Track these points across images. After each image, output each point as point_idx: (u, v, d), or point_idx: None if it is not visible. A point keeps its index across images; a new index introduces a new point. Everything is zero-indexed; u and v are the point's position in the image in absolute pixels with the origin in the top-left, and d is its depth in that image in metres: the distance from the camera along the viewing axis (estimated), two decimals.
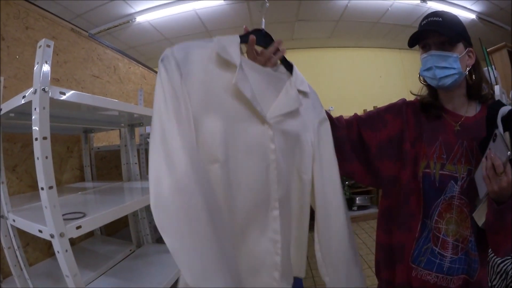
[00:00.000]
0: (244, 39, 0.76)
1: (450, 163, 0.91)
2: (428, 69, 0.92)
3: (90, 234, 1.82)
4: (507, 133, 0.72)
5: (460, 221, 0.89)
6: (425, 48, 0.93)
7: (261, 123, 0.71)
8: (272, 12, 4.26)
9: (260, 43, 0.82)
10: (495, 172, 0.71)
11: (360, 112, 1.12)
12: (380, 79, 6.05)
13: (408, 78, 6.28)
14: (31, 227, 0.90)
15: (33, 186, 1.49)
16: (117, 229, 2.08)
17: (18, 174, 1.43)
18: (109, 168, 2.12)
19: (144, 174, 1.97)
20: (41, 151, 0.79)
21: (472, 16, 4.82)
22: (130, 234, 1.80)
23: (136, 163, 1.80)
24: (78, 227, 0.86)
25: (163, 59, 0.64)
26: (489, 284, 2.27)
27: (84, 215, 0.95)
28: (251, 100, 0.67)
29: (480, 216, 0.83)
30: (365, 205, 4.67)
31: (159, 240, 2.12)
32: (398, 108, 1.05)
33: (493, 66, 3.03)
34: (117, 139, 2.12)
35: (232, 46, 0.71)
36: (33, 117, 0.81)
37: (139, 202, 1.27)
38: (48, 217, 0.79)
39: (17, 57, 1.46)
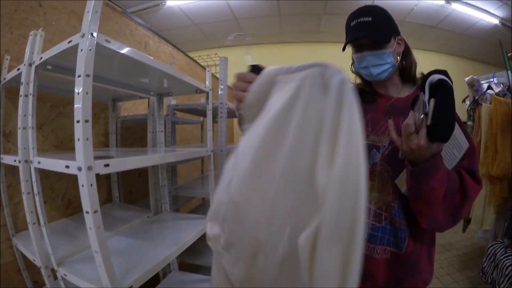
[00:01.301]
0: None
1: (373, 134, 0.97)
2: (364, 68, 0.99)
3: (109, 200, 1.88)
4: (432, 101, 0.72)
5: (382, 188, 0.92)
6: (358, 48, 0.99)
7: None
8: (299, 4, 4.33)
9: None
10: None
11: None
12: None
13: None
14: (58, 164, 0.93)
15: (58, 146, 1.56)
16: (135, 199, 2.14)
17: (44, 132, 1.49)
18: (133, 139, 2.18)
19: (168, 144, 2.03)
20: (83, 87, 0.83)
21: (496, 21, 4.84)
22: (149, 204, 1.85)
23: (162, 131, 1.84)
24: (106, 165, 0.90)
25: None
26: (497, 287, 2.31)
27: (113, 157, 0.99)
28: None
29: (403, 182, 0.85)
30: None
31: (177, 210, 2.19)
32: None
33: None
34: (143, 112, 2.18)
35: None
36: (78, 57, 0.85)
37: (164, 157, 1.31)
38: (79, 148, 0.82)
39: (53, 23, 1.54)
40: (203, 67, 3.80)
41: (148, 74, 1.42)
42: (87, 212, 0.84)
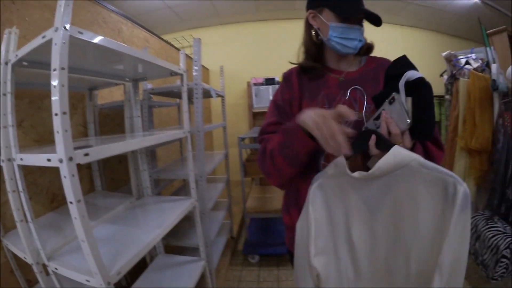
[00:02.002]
0: None
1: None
2: (351, 39, 0.98)
3: (92, 189, 1.89)
4: (409, 99, 0.72)
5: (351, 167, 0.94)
6: (348, 20, 0.97)
7: None
8: None
9: None
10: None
11: None
12: (379, 54, 6.09)
13: (407, 54, 6.40)
14: (39, 159, 0.95)
15: (39, 141, 1.54)
16: (117, 186, 2.15)
17: (24, 129, 1.48)
18: (112, 126, 2.17)
19: (146, 128, 2.05)
20: (59, 80, 0.84)
21: None
22: (131, 189, 1.87)
23: (139, 116, 1.85)
24: (86, 154, 0.92)
25: None
26: (480, 258, 2.41)
27: (91, 146, 1.01)
28: None
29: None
30: None
31: (159, 194, 2.22)
32: (287, 81, 1.11)
33: (491, 47, 3.08)
34: (120, 99, 2.17)
35: None
36: (52, 51, 0.85)
37: (143, 141, 1.34)
38: (59, 141, 0.84)
39: (27, 19, 1.50)
40: (178, 49, 3.76)
41: (123, 61, 1.41)
42: (71, 203, 0.87)
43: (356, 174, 0.74)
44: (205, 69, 5.25)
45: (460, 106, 2.97)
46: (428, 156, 0.89)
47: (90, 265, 0.94)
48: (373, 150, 0.74)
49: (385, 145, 0.71)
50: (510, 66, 2.78)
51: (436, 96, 5.88)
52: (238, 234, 3.51)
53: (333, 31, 0.97)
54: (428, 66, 6.06)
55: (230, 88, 5.34)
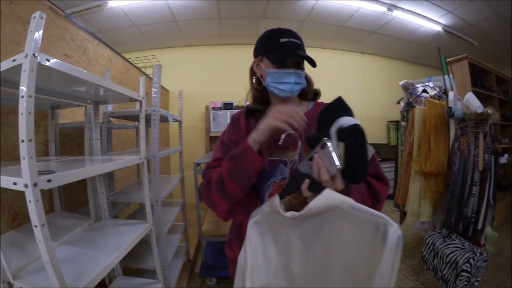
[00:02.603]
0: None
1: (278, 150, 1.05)
2: (286, 83, 1.03)
3: (52, 209, 1.86)
4: (342, 144, 0.75)
5: (294, 199, 0.97)
6: (285, 64, 1.03)
7: None
8: (239, 7, 4.40)
9: None
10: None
11: None
12: (339, 80, 6.35)
13: (367, 80, 6.69)
14: (5, 181, 0.96)
15: (3, 157, 1.53)
16: (76, 207, 2.12)
17: None
18: (72, 145, 2.15)
19: (104, 150, 2.05)
20: (26, 107, 0.87)
21: (438, 28, 5.06)
22: (89, 211, 1.86)
23: (98, 139, 1.86)
24: (49, 180, 0.95)
25: None
26: (439, 274, 2.50)
27: (54, 172, 1.03)
28: None
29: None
30: None
31: (116, 216, 2.21)
32: (235, 122, 1.18)
33: (451, 75, 3.31)
34: (81, 118, 2.17)
35: None
36: (21, 77, 0.89)
37: (101, 167, 1.36)
38: (25, 167, 0.87)
39: None
40: (141, 70, 3.80)
41: (85, 85, 1.44)
42: (36, 226, 0.90)
43: (289, 214, 0.78)
44: (165, 91, 5.28)
45: (415, 132, 3.12)
46: (372, 191, 0.96)
47: (53, 285, 0.95)
48: (305, 192, 0.79)
49: (316, 188, 0.75)
50: (468, 93, 2.97)
51: (392, 122, 6.22)
52: (195, 257, 3.49)
53: (270, 77, 1.05)
54: (388, 93, 6.48)
55: (188, 111, 5.39)
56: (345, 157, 0.74)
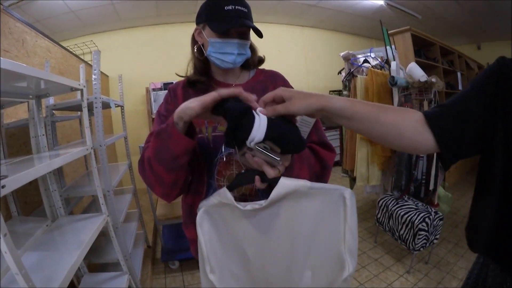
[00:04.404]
0: None
1: (221, 125, 0.94)
2: (228, 53, 0.99)
3: (9, 216, 1.78)
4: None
5: (244, 188, 0.96)
6: (227, 34, 0.98)
7: None
8: None
9: None
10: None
11: None
12: (279, 53, 6.47)
13: (308, 52, 6.90)
14: None
15: None
16: (32, 209, 2.05)
17: None
18: (18, 145, 2.04)
19: (51, 145, 1.98)
20: None
21: (381, 2, 5.24)
22: (45, 212, 1.80)
23: (43, 135, 1.79)
24: (3, 186, 0.90)
25: None
26: (397, 234, 2.66)
27: (7, 177, 0.97)
28: None
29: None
30: None
31: (71, 212, 2.16)
32: (171, 93, 1.11)
33: (393, 46, 3.44)
34: (24, 115, 2.05)
35: None
36: None
37: (51, 164, 1.31)
38: None
39: None
40: (80, 58, 3.64)
41: (26, 79, 1.37)
42: None
43: (249, 207, 0.78)
44: (104, 77, 5.09)
45: None
46: (318, 158, 0.95)
47: None
48: (260, 185, 0.77)
49: (270, 181, 0.75)
50: (411, 63, 3.13)
51: (334, 91, 6.44)
52: (154, 242, 3.50)
53: (211, 47, 0.99)
54: (329, 64, 6.69)
55: (129, 95, 5.29)
56: (274, 142, 0.68)
